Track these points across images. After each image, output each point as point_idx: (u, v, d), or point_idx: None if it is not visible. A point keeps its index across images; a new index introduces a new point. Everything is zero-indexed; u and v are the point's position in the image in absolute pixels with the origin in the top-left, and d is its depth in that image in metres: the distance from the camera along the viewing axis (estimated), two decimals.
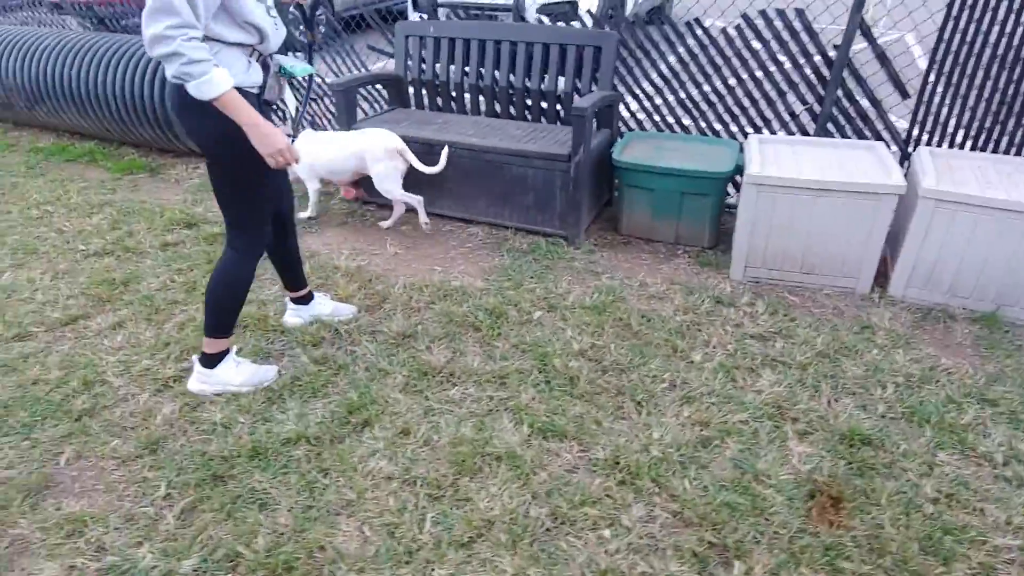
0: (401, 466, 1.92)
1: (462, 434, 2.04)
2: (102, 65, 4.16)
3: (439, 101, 3.91)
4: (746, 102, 3.35)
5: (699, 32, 3.24)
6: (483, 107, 3.79)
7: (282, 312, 2.65)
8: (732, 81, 3.33)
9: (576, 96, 3.49)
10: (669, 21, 3.36)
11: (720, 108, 3.40)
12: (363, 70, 4.34)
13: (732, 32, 3.18)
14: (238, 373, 2.22)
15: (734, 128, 3.46)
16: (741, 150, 3.22)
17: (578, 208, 3.19)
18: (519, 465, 1.91)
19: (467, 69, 3.69)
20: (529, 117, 3.71)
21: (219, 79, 1.68)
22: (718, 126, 3.50)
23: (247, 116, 1.77)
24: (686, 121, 3.59)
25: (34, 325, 2.57)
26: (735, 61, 3.26)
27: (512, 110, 3.72)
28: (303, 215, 3.51)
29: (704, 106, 3.45)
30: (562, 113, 3.62)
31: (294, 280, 2.51)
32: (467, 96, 3.80)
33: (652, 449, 1.97)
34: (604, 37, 3.34)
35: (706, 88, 3.37)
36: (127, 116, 4.17)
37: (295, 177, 3.45)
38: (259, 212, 2.07)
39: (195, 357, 2.21)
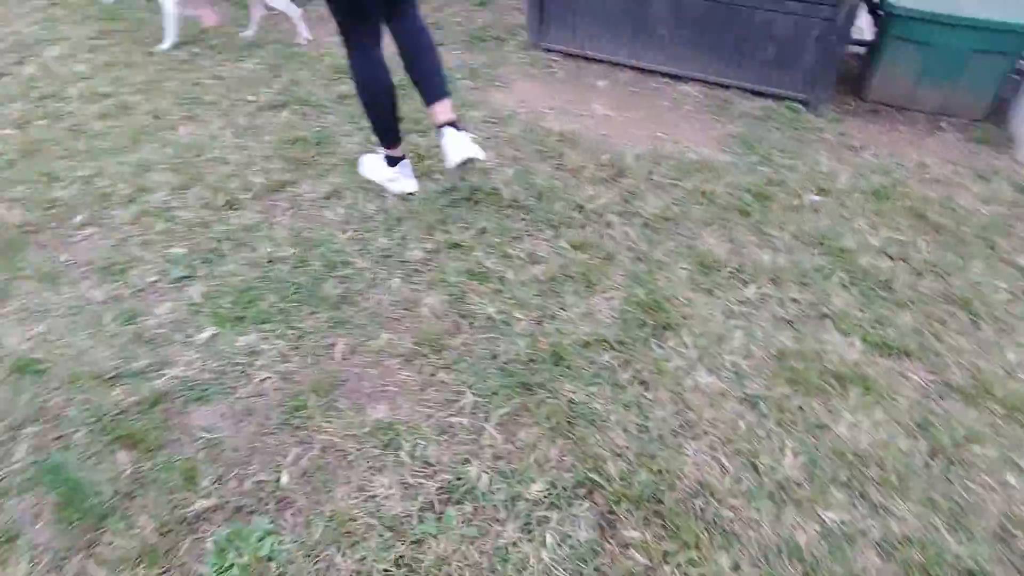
0: (728, 381, 1.66)
1: (783, 345, 1.75)
2: None
3: None
4: None
5: None
6: None
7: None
8: None
9: None
10: None
11: None
12: None
13: None
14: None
15: None
16: None
17: (833, 67, 2.64)
18: (871, 387, 1.63)
19: None
20: None
21: None
22: None
23: None
24: None
25: (240, 191, 2.28)
26: None
27: None
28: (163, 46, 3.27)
29: None
30: None
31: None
32: None
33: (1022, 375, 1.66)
34: None
35: None
36: None
37: None
38: None
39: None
